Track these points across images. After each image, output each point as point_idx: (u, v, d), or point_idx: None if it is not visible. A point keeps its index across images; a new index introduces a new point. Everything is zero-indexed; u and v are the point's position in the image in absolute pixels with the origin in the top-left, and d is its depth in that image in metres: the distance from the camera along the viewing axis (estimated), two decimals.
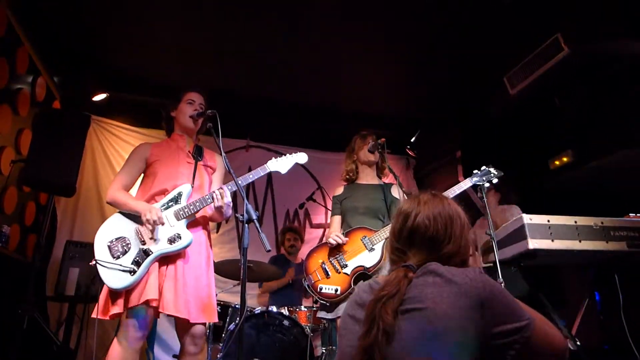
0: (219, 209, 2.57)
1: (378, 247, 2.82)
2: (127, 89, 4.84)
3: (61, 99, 4.65)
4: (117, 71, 4.72)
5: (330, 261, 2.89)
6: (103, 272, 2.36)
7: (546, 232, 2.49)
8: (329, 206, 5.34)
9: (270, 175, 5.60)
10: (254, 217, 2.13)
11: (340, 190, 3.19)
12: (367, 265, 2.80)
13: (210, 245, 2.71)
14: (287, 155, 2.78)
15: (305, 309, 3.91)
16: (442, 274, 1.29)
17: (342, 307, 2.81)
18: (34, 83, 4.18)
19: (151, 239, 2.44)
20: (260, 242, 2.11)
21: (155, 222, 2.43)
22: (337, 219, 3.11)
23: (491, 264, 3.46)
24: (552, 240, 2.48)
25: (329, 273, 2.86)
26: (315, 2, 3.71)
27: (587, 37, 3.66)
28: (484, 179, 2.90)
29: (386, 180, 3.23)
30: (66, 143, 3.78)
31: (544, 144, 4.37)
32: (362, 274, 2.82)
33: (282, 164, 2.76)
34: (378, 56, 4.34)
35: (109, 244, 2.42)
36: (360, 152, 3.16)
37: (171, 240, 2.45)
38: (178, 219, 2.51)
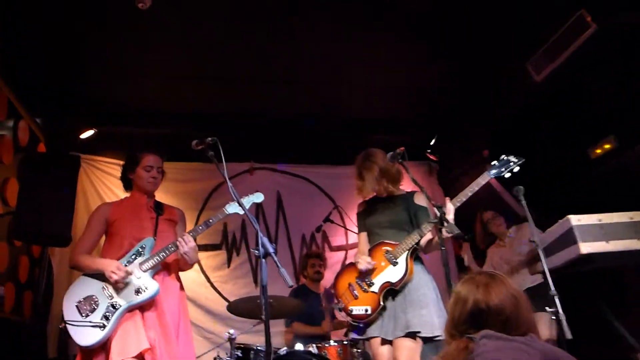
0: (185, 255, 2.88)
1: (401, 260, 2.96)
2: (116, 122, 4.92)
3: (46, 140, 4.74)
4: (103, 104, 4.80)
5: (357, 282, 3.07)
6: (73, 332, 2.65)
7: (599, 233, 2.46)
8: (349, 226, 5.36)
9: (280, 199, 5.65)
10: (271, 250, 2.18)
11: (362, 207, 3.32)
12: (393, 281, 2.95)
13: (182, 292, 3.05)
14: (244, 197, 3.05)
15: (336, 344, 3.87)
16: (502, 336, 1.51)
17: (374, 327, 2.95)
18: (16, 127, 4.27)
19: (118, 293, 2.78)
20: (280, 276, 2.13)
21: (122, 278, 2.75)
22: (364, 235, 3.26)
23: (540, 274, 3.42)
24: (607, 242, 2.45)
25: (357, 294, 3.04)
26: (312, 9, 3.76)
27: (614, 9, 3.65)
28: (504, 169, 2.95)
29: (406, 188, 3.32)
30: (56, 188, 3.87)
31: (581, 132, 4.31)
32: (390, 290, 2.96)
33: (239, 204, 2.90)
34: (385, 56, 4.35)
35: (77, 304, 2.74)
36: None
37: (137, 292, 2.77)
38: (144, 271, 2.83)
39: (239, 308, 3.80)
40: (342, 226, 5.43)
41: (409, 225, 3.09)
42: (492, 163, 3.01)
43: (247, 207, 2.89)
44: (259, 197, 3.11)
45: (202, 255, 5.24)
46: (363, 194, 3.24)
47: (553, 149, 4.53)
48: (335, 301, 3.14)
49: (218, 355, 3.67)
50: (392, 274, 2.96)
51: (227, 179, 2.47)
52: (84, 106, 4.79)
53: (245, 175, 5.59)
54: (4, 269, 4.01)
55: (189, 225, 5.49)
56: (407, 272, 2.92)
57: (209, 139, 2.58)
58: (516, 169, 2.95)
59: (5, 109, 4.11)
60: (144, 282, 2.80)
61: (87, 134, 4.95)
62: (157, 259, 2.84)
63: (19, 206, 3.74)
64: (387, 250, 3.01)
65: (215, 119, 4.92)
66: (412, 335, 2.81)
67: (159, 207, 3.14)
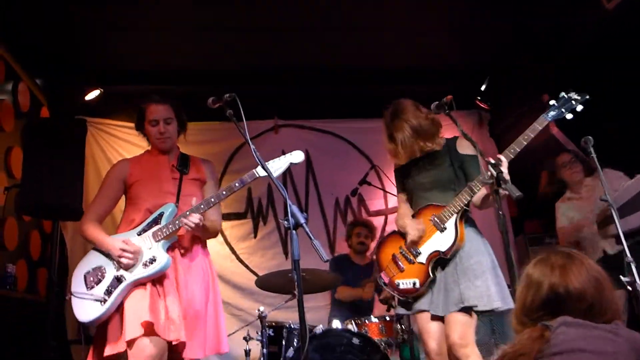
0: (197, 231, 2.78)
1: (450, 225, 2.88)
2: (124, 80, 4.91)
3: (49, 104, 4.80)
4: (109, 61, 4.79)
5: (402, 252, 3.00)
6: (75, 304, 2.68)
7: None
8: (388, 188, 5.30)
9: (309, 159, 5.61)
10: (302, 221, 2.14)
11: (400, 165, 3.21)
12: (442, 249, 2.87)
13: (211, 268, 2.95)
14: (280, 157, 2.82)
15: (377, 320, 3.90)
16: (583, 323, 1.47)
17: (423, 301, 2.91)
18: (15, 91, 4.31)
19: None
20: (313, 248, 2.11)
21: (134, 259, 2.70)
22: (404, 196, 3.19)
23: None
24: None
25: (402, 266, 2.97)
26: None
27: None
28: (564, 110, 2.77)
29: (446, 134, 3.18)
30: (63, 157, 3.91)
31: None
32: (439, 259, 2.89)
33: (273, 167, 2.78)
34: None
35: (85, 274, 2.75)
36: None
37: (146, 264, 2.70)
38: (156, 240, 2.75)
39: (269, 283, 3.84)
40: (380, 189, 5.37)
41: (455, 182, 2.98)
42: (551, 103, 2.82)
43: (285, 169, 2.78)
44: (297, 157, 2.82)
45: (226, 225, 5.29)
46: (397, 159, 3.12)
47: (627, 90, 4.32)
48: (379, 275, 3.08)
49: (248, 334, 3.71)
50: (440, 241, 2.89)
51: (248, 140, 2.40)
52: (88, 64, 4.80)
53: (269, 133, 5.57)
54: (14, 246, 4.14)
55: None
56: (458, 238, 2.84)
57: (227, 95, 2.52)
58: (579, 107, 2.76)
59: (2, 70, 4.15)
60: (154, 253, 2.72)
61: (93, 94, 4.97)
62: (171, 228, 2.73)
63: (24, 178, 3.80)
64: (433, 215, 2.93)
65: (231, 73, 4.87)
66: (466, 309, 2.77)
67: (184, 164, 3.00)
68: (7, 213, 4.07)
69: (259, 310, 3.59)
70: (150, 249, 2.73)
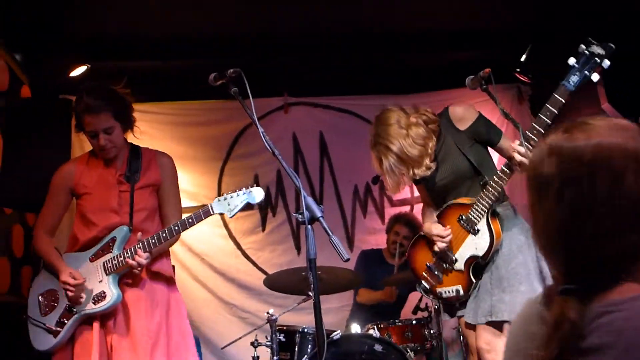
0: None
1: (482, 226, 2.83)
2: (114, 55, 4.91)
3: (31, 82, 4.80)
4: (97, 33, 4.78)
5: (436, 261, 3.01)
6: (30, 330, 2.94)
7: None
8: None
9: (323, 141, 5.60)
10: (319, 214, 2.13)
11: None
12: (480, 254, 2.85)
13: (166, 295, 2.99)
14: (237, 192, 2.80)
15: (401, 324, 3.91)
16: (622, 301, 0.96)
17: (468, 308, 2.92)
18: None
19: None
20: (329, 244, 2.11)
21: (79, 294, 2.81)
22: (423, 187, 3.18)
23: None
24: None
25: (439, 276, 2.98)
26: None
27: None
28: (587, 72, 2.52)
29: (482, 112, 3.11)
30: (47, 141, 3.93)
31: None
32: (477, 264, 2.89)
33: (229, 203, 2.80)
34: None
35: (39, 297, 2.96)
36: None
37: (95, 300, 2.84)
38: (107, 273, 2.86)
39: (279, 282, 3.88)
40: None
41: (475, 167, 2.93)
42: (570, 63, 2.54)
43: (241, 207, 2.78)
44: (258, 195, 2.78)
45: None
46: (389, 189, 3.08)
47: None
48: (419, 283, 3.12)
49: (256, 340, 3.74)
50: (475, 244, 2.86)
51: (256, 122, 2.39)
52: (74, 36, 4.79)
53: (278, 113, 5.55)
54: None
55: (210, 181, 5.48)
56: (494, 239, 2.80)
57: (231, 70, 2.51)
58: (606, 63, 2.50)
59: None
60: (104, 288, 2.83)
61: (79, 70, 4.96)
62: (122, 262, 2.81)
63: (4, 165, 3.85)
64: (461, 217, 2.89)
65: (236, 43, 4.86)
66: (497, 323, 2.75)
67: (134, 168, 3.01)
68: None
69: (268, 312, 3.61)
70: (101, 282, 2.85)
